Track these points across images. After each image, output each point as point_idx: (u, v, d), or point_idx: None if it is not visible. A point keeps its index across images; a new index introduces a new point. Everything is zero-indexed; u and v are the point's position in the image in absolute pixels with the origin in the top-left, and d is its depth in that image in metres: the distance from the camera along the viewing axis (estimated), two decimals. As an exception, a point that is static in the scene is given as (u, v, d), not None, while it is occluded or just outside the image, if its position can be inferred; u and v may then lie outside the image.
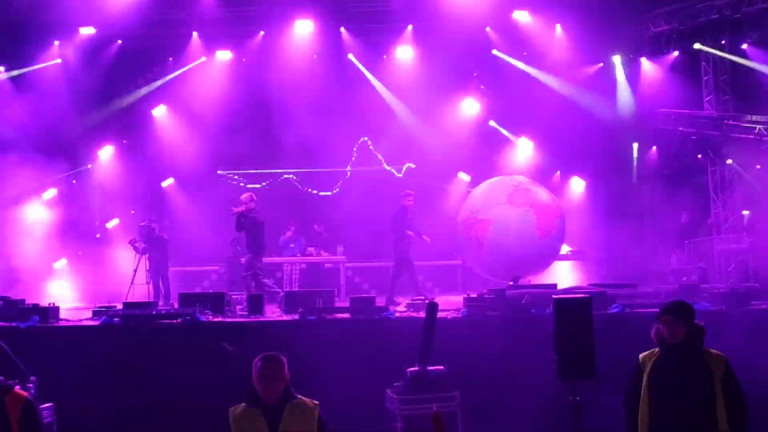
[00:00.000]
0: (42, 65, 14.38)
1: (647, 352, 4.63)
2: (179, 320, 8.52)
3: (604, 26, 14.09)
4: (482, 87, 15.62)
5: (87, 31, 14.24)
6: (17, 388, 4.23)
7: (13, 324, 8.29)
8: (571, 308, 5.74)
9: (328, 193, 15.93)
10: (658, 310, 4.71)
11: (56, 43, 14.39)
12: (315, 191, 15.94)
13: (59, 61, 14.50)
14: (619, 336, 7.40)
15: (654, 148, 15.53)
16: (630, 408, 4.55)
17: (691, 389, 4.34)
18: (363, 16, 14.59)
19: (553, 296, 6.03)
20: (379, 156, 16.00)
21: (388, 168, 16.03)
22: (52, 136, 14.32)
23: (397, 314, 8.75)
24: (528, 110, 15.19)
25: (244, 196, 11.04)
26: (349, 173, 16.04)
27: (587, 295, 5.94)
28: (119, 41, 14.69)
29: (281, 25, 14.60)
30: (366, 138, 15.88)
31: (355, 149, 15.99)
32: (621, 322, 8.29)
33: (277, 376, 3.90)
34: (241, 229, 10.81)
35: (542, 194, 11.47)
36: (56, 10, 13.33)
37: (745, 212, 14.35)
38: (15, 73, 14.29)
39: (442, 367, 7.03)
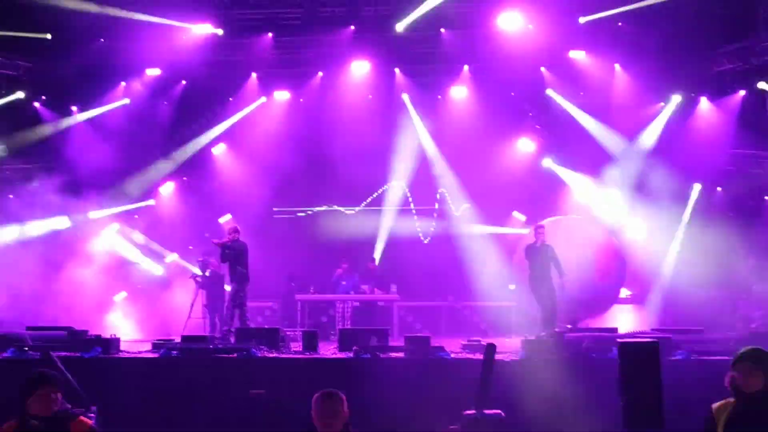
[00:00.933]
0: (111, 106, 15.05)
1: (721, 403, 4.39)
2: (235, 355, 8.61)
3: (663, 66, 13.84)
4: (537, 127, 15.52)
5: (153, 72, 14.85)
6: (82, 417, 4.31)
7: (77, 354, 8.52)
8: (638, 353, 5.56)
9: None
10: (725, 357, 4.49)
11: (123, 84, 15.04)
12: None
13: (127, 101, 15.14)
14: (685, 384, 7.10)
15: (719, 188, 15.07)
16: (702, 459, 4.31)
17: (771, 443, 4.10)
18: (418, 56, 14.76)
19: (618, 340, 5.85)
20: (447, 196, 15.92)
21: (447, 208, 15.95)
22: (118, 172, 14.97)
23: (452, 355, 8.62)
24: (584, 149, 15.05)
25: (228, 227, 11.09)
26: (414, 210, 16.06)
27: (654, 341, 5.73)
28: (183, 81, 15.25)
29: (338, 66, 14.91)
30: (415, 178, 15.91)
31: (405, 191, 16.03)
32: (687, 369, 7.97)
33: (337, 414, 3.86)
34: (225, 260, 10.82)
35: (602, 235, 11.25)
36: (125, 54, 13.98)
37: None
38: (88, 114, 14.97)
39: (499, 411, 6.85)
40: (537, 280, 10.74)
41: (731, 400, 4.34)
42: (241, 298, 10.63)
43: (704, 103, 14.33)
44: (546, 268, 10.80)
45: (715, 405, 4.41)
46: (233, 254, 10.70)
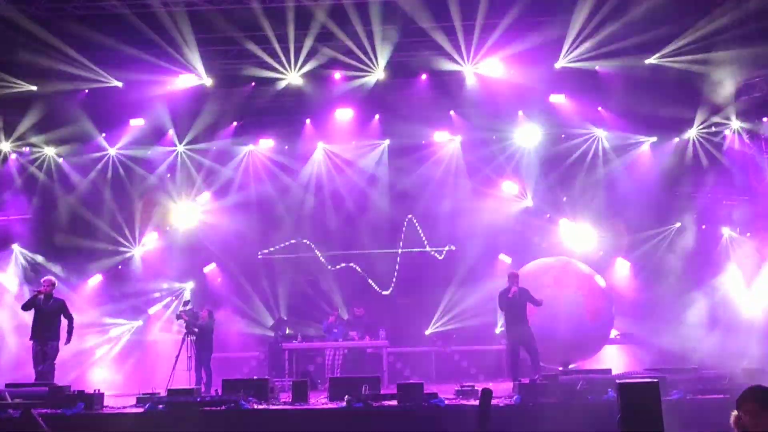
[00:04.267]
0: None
1: (727, 444, 4.31)
2: (223, 407, 8.37)
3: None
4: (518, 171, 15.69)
5: (136, 122, 14.90)
6: None
7: (59, 411, 8.24)
8: (638, 393, 5.48)
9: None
10: (721, 396, 4.42)
11: (103, 135, 15.08)
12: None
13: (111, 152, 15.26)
14: (683, 424, 7.00)
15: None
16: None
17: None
18: (399, 102, 14.89)
19: (618, 381, 5.77)
20: (423, 237, 15.96)
21: (430, 250, 15.96)
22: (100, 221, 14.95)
23: (446, 401, 8.44)
24: (569, 192, 15.24)
25: (45, 280, 10.85)
26: (399, 252, 16.07)
27: (654, 381, 5.66)
28: (171, 131, 15.29)
29: (322, 114, 15.03)
30: (408, 219, 15.95)
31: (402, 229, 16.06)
32: (683, 409, 7.86)
33: None
34: (27, 309, 10.62)
35: (590, 275, 11.24)
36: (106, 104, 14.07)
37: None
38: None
39: (497, 458, 6.70)
40: (516, 326, 10.66)
41: (736, 440, 4.27)
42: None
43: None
44: (522, 313, 10.72)
45: (722, 446, 4.34)
46: (46, 308, 10.53)
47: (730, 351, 12.83)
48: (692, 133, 14.46)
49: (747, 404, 4.20)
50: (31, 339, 10.50)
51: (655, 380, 5.60)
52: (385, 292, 15.69)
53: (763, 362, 11.14)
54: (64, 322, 10.68)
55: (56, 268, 14.28)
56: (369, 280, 15.78)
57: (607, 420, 6.17)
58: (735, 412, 4.33)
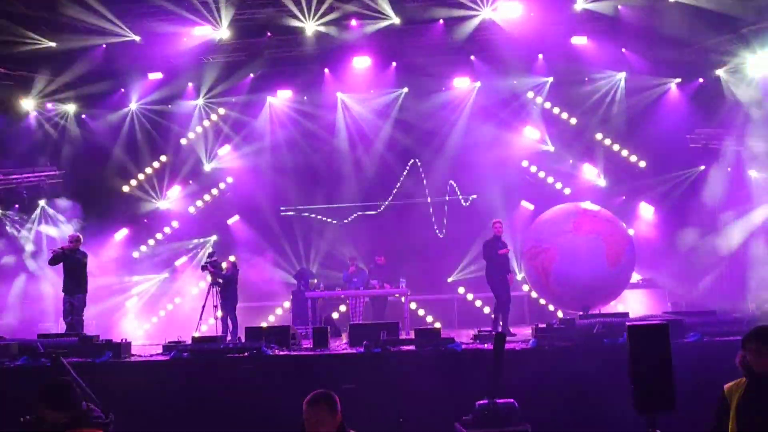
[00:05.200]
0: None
1: (733, 383, 4.34)
2: (246, 354, 8.61)
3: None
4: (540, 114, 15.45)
5: (155, 76, 14.92)
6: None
7: (88, 360, 8.55)
8: (648, 336, 5.49)
9: (373, 213, 15.93)
10: (738, 338, 4.43)
11: (122, 90, 15.19)
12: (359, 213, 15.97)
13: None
14: (698, 366, 7.06)
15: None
16: (715, 440, 4.27)
17: (783, 421, 4.05)
18: (418, 49, 14.66)
19: (627, 323, 5.79)
20: (454, 184, 15.88)
21: (461, 198, 15.88)
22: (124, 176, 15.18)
23: (463, 346, 8.58)
24: (590, 136, 15.01)
25: (71, 235, 11.00)
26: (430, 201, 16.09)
27: (664, 323, 5.67)
28: (190, 84, 15.29)
29: (340, 63, 14.88)
30: (422, 169, 15.87)
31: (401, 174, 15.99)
32: (699, 351, 7.90)
33: (320, 420, 3.60)
34: (55, 263, 10.81)
35: (610, 221, 11.14)
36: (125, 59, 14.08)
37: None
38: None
39: (512, 400, 6.81)
40: (495, 275, 10.92)
41: (743, 379, 4.31)
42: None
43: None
44: (504, 262, 11.04)
45: (727, 385, 4.38)
46: (69, 262, 10.71)
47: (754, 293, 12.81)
48: (718, 74, 14.05)
49: (750, 344, 4.23)
50: (63, 292, 10.85)
51: (665, 323, 5.60)
52: (440, 234, 15.63)
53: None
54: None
55: (79, 224, 14.57)
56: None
57: (622, 363, 6.19)
58: (741, 352, 4.37)
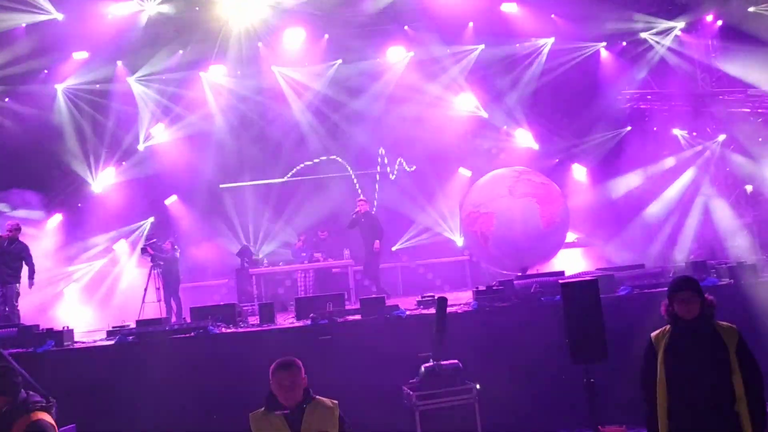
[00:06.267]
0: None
1: (658, 331, 4.61)
2: (193, 334, 8.58)
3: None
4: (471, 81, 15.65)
5: (80, 55, 14.37)
6: (36, 413, 4.25)
7: (29, 350, 8.37)
8: (579, 291, 5.79)
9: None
10: (665, 289, 4.69)
11: (45, 71, 14.55)
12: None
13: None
14: (630, 318, 7.41)
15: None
16: (646, 385, 4.53)
17: (707, 362, 4.34)
18: (350, 21, 14.57)
19: (560, 281, 6.07)
20: (387, 158, 15.98)
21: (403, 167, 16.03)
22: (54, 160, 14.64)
23: (407, 312, 8.77)
24: (522, 101, 15.32)
25: (9, 223, 10.88)
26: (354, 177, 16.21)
27: (594, 278, 5.97)
28: (119, 63, 14.83)
29: (273, 36, 14.67)
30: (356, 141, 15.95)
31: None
32: (631, 303, 8.31)
33: (295, 383, 3.91)
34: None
35: (544, 183, 11.47)
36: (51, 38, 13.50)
37: (748, 187, 14.35)
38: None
39: (456, 361, 7.07)
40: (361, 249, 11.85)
41: (668, 327, 4.59)
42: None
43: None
44: (368, 236, 12.45)
45: (653, 333, 4.65)
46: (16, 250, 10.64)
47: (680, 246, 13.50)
48: (644, 36, 14.54)
49: (680, 293, 4.48)
50: None
51: (595, 278, 5.90)
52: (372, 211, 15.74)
53: (711, 255, 11.74)
54: (26, 267, 10.70)
55: (15, 211, 14.08)
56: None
57: (560, 319, 6.47)
58: (665, 302, 4.65)
